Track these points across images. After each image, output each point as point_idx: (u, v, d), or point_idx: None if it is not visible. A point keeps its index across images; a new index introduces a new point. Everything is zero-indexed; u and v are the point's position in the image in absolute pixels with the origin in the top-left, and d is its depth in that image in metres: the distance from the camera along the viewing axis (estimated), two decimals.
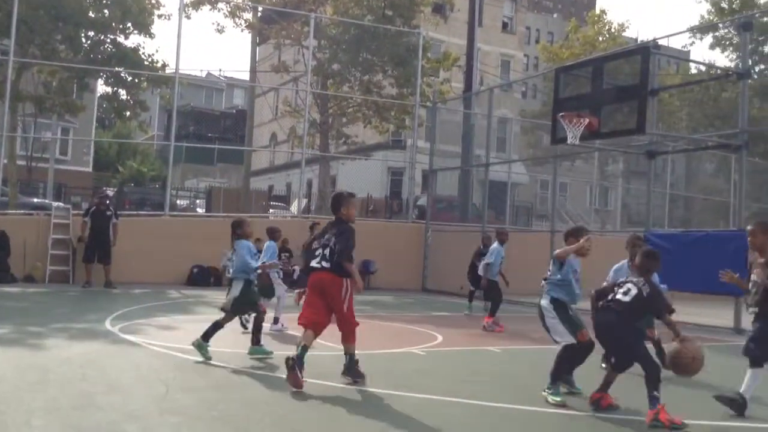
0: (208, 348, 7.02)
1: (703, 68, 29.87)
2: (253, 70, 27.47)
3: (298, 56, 26.79)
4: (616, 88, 13.43)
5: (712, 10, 33.28)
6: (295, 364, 5.77)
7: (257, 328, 7.48)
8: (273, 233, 9.71)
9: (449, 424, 5.07)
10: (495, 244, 12.05)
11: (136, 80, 20.51)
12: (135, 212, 19.79)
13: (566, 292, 6.10)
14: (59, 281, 15.45)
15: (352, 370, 6.27)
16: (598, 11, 37.91)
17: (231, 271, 7.69)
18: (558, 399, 5.75)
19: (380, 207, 26.54)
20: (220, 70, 75.76)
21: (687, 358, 5.38)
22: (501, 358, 8.56)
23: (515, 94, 42.16)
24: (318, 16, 22.02)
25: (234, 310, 7.37)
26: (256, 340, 7.45)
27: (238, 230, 7.53)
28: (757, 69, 31.33)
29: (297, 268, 18.05)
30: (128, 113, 21.91)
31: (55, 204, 18.09)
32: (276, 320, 9.65)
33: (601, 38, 34.79)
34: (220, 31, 24.48)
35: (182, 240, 16.93)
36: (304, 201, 24.85)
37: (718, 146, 17.47)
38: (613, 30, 35.74)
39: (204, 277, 17.00)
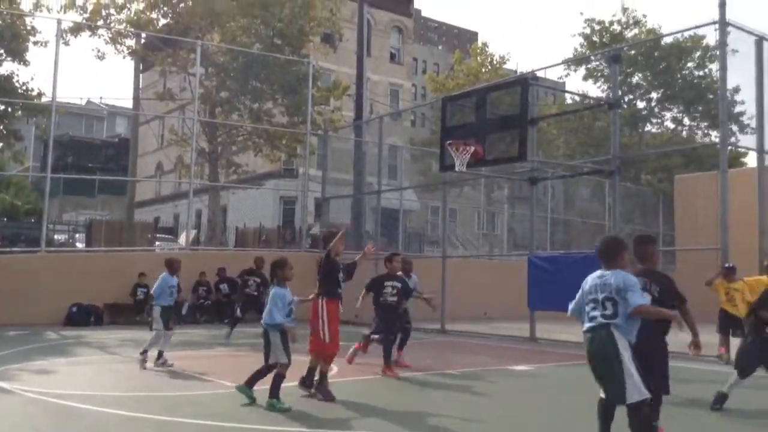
0: (280, 403, 6.57)
1: (577, 98, 31.69)
2: (137, 98, 26.60)
3: (184, 84, 26.22)
4: (499, 117, 13.99)
5: (585, 43, 35.47)
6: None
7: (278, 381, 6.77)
8: (170, 264, 9.58)
9: None
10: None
11: (10, 109, 19.41)
12: (9, 249, 18.52)
13: None
14: None
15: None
16: (480, 44, 39.48)
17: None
18: None
19: (273, 237, 26.19)
20: (101, 98, 72.84)
21: None
22: (398, 385, 8.57)
23: (405, 123, 43.09)
24: (205, 44, 21.67)
25: (287, 357, 6.81)
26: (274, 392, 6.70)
27: (278, 271, 6.96)
28: (626, 99, 33.57)
29: (186, 302, 17.50)
30: (0, 144, 20.66)
31: None
32: (160, 354, 9.32)
33: (484, 69, 36.23)
34: (101, 57, 23.50)
35: (60, 277, 16.01)
36: (194, 232, 24.16)
37: (593, 172, 18.47)
38: (495, 62, 37.30)
39: (83, 316, 16.10)
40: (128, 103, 31.01)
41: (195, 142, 20.32)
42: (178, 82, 29.13)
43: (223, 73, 22.80)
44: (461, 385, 8.73)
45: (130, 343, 12.66)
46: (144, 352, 9.28)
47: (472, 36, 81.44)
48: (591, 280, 4.85)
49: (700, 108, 34.23)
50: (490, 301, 19.73)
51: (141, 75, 27.63)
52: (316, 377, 7.28)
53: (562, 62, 32.39)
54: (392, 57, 44.26)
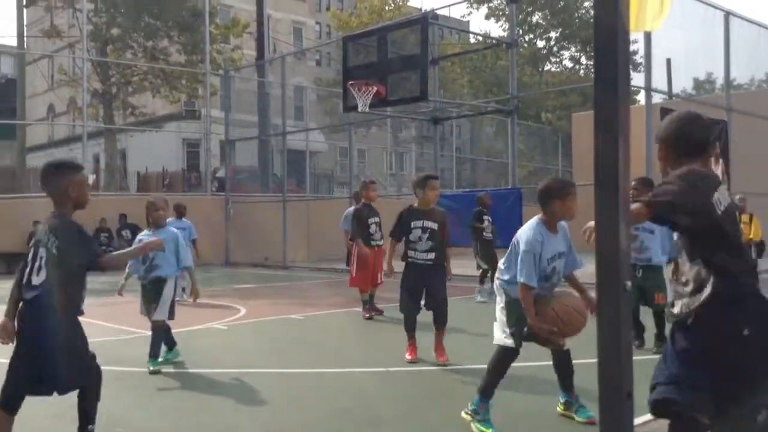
0: (171, 353, 6.28)
1: (480, 38, 31.99)
2: (21, 35, 24.85)
3: (72, 20, 24.72)
4: (400, 57, 13.99)
5: None
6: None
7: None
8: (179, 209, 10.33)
9: (243, 395, 5.09)
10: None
11: None
12: None
13: None
14: None
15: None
16: None
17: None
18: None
19: (177, 180, 25.53)
20: None
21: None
22: (304, 325, 8.72)
23: (309, 62, 42.29)
24: None
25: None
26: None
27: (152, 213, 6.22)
28: (526, 38, 34.17)
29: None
30: None
31: None
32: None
33: (387, 8, 35.82)
34: None
35: None
36: (92, 177, 23.17)
37: (493, 111, 18.85)
38: (398, 0, 36.90)
39: None
40: (13, 41, 28.99)
41: (86, 83, 19.31)
42: (65, 19, 27.37)
43: (113, 9, 21.57)
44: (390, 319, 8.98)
45: None
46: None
47: None
48: None
49: None
50: None
51: (25, 10, 25.77)
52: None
53: (464, 0, 32.47)
54: None
